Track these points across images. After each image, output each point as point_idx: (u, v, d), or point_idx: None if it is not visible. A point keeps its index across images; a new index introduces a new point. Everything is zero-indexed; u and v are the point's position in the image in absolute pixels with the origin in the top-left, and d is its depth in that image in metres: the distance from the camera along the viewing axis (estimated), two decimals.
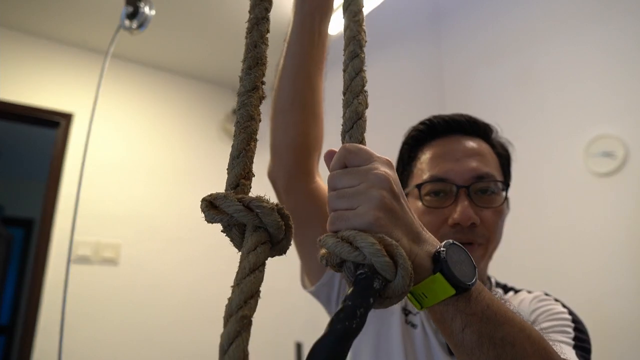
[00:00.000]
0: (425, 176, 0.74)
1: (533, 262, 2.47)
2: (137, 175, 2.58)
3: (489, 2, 3.04)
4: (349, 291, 0.33)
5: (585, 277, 2.21)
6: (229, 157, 0.38)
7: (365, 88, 0.43)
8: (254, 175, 0.39)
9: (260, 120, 0.39)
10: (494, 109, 2.70)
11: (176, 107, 2.80)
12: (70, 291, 1.90)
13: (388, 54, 3.13)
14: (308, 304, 2.73)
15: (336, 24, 2.03)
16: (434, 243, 0.41)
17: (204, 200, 0.35)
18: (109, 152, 2.51)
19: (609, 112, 2.26)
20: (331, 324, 0.30)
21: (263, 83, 0.40)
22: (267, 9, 0.42)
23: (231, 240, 0.36)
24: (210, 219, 0.35)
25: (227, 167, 0.38)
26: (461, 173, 0.71)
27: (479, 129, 0.78)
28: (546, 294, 0.75)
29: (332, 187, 0.40)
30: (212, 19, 2.29)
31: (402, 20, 3.30)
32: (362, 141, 0.42)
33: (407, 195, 0.78)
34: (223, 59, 2.68)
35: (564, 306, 0.71)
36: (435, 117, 0.79)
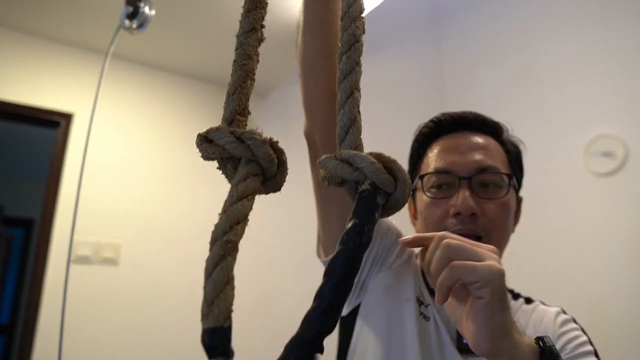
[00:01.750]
0: (430, 169, 0.75)
1: (533, 262, 2.47)
2: (137, 175, 2.58)
3: (489, 2, 3.04)
4: (354, 209, 0.35)
5: (585, 277, 2.21)
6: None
7: (363, 16, 0.43)
8: (250, 113, 0.39)
9: (258, 61, 0.39)
10: (494, 109, 2.69)
11: (176, 107, 2.80)
12: (70, 291, 1.90)
13: (388, 54, 3.13)
14: (308, 304, 2.72)
15: None
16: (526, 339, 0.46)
17: (199, 135, 0.36)
18: (109, 152, 2.51)
19: (609, 112, 2.27)
20: (342, 242, 0.32)
21: (262, 26, 0.40)
22: None
23: (226, 177, 0.37)
24: (204, 153, 0.35)
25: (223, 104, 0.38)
26: (464, 165, 0.72)
27: (488, 127, 0.79)
28: (564, 312, 0.75)
29: (457, 253, 0.45)
30: (212, 19, 2.29)
31: (402, 20, 3.30)
32: (358, 63, 0.42)
33: (414, 190, 0.80)
34: (223, 59, 2.68)
35: (582, 329, 0.71)
36: (443, 114, 0.80)
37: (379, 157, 0.36)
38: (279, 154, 0.37)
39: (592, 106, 2.36)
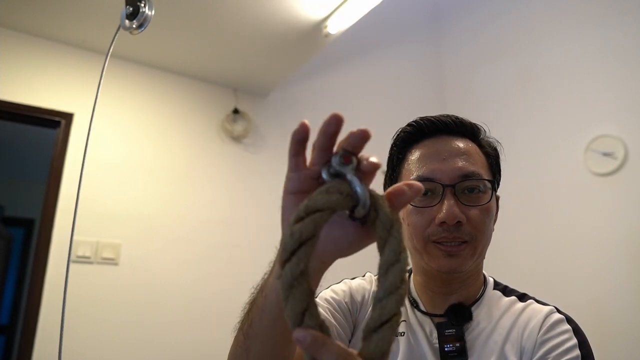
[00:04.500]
0: (412, 177, 0.75)
1: (533, 261, 2.47)
2: (137, 175, 2.58)
3: (489, 2, 3.04)
4: None
5: (585, 277, 2.21)
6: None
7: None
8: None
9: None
10: (494, 109, 2.70)
11: (176, 107, 2.80)
12: (70, 291, 1.89)
13: (388, 54, 3.13)
14: None
15: (338, 22, 2.03)
16: None
17: None
18: (109, 152, 2.51)
19: (609, 112, 2.27)
20: None
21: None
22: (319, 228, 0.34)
23: None
24: None
25: None
26: (447, 172, 0.73)
27: (466, 129, 0.79)
28: (558, 311, 0.73)
29: None
30: (212, 19, 2.29)
31: (402, 20, 3.30)
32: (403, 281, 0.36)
33: None
34: (223, 59, 2.68)
35: (575, 330, 0.69)
36: (422, 118, 0.80)
37: None
38: None
39: (592, 106, 2.36)
